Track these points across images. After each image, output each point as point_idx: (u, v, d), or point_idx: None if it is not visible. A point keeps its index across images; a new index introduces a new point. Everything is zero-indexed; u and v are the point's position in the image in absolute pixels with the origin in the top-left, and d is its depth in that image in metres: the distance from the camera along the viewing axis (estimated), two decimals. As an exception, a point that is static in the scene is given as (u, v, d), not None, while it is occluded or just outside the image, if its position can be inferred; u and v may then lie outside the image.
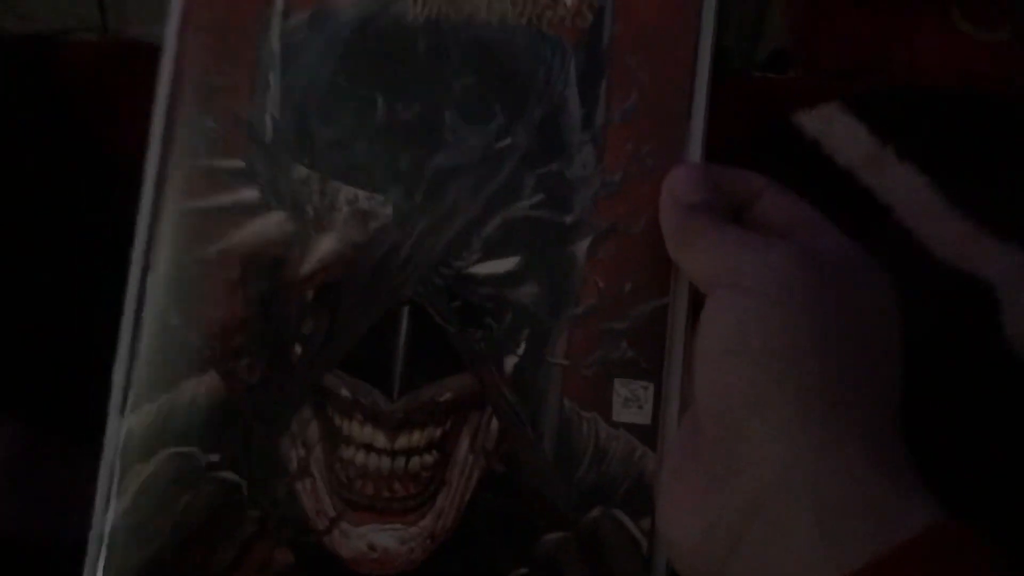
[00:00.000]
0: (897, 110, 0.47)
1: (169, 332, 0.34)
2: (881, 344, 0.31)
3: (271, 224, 0.35)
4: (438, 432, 0.34)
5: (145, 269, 0.34)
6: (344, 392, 0.34)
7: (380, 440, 0.34)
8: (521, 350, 0.34)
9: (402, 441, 0.34)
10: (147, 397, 0.34)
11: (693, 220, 0.33)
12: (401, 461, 0.34)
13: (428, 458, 0.34)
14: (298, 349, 0.34)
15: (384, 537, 0.34)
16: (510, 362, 0.34)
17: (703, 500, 0.31)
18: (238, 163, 0.35)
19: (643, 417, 0.34)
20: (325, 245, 0.34)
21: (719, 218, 0.33)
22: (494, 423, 0.34)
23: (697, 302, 0.35)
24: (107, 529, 0.33)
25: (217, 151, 0.35)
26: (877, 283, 0.32)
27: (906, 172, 0.46)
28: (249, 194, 0.35)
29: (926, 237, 0.45)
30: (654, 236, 0.35)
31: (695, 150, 0.35)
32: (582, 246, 0.35)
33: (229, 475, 0.34)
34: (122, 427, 0.34)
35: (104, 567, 0.33)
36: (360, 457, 0.34)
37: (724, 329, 0.31)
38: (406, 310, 0.34)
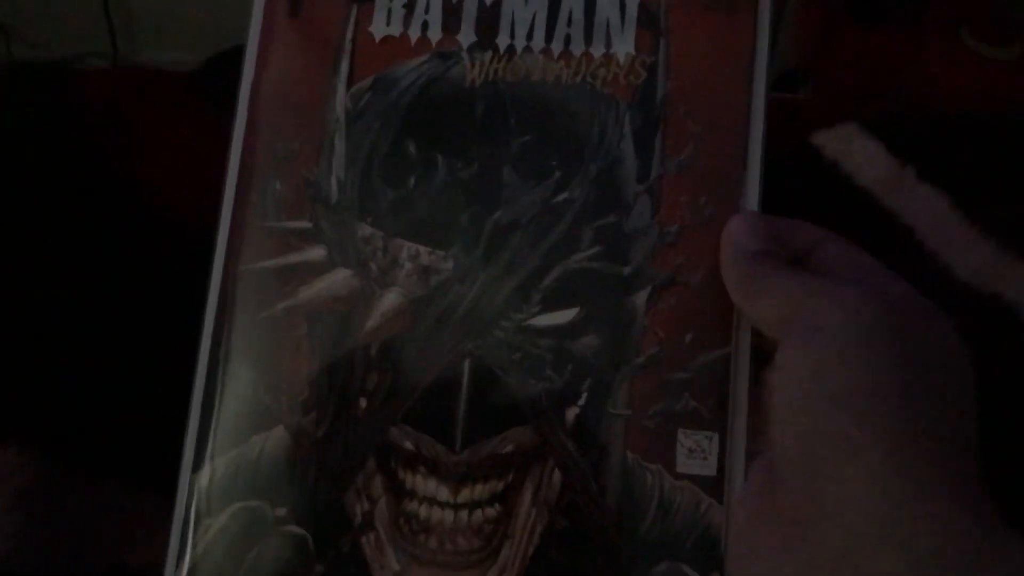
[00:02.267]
0: (916, 130, 0.46)
1: (242, 389, 0.35)
2: (957, 389, 0.30)
3: (337, 281, 0.35)
4: (500, 485, 0.34)
5: (218, 330, 0.36)
6: (408, 445, 0.34)
7: (443, 493, 0.34)
8: (582, 401, 0.34)
9: (465, 494, 0.34)
10: (219, 453, 0.35)
11: (759, 266, 0.33)
12: (464, 514, 0.34)
13: (491, 511, 0.34)
14: (363, 403, 0.35)
15: None
16: (571, 414, 0.34)
17: (783, 551, 0.30)
18: (305, 224, 0.36)
19: (708, 468, 0.34)
20: (388, 300, 0.35)
21: (785, 264, 0.33)
22: (556, 476, 0.34)
23: (760, 351, 0.34)
24: None
25: (285, 213, 0.36)
26: (948, 330, 0.31)
27: (927, 193, 0.45)
28: (316, 253, 0.36)
29: (948, 259, 0.43)
30: (714, 286, 0.34)
31: (752, 199, 0.35)
32: (641, 296, 0.35)
33: (295, 529, 0.34)
34: (195, 483, 0.34)
35: None
36: (424, 511, 0.34)
37: (804, 372, 0.30)
38: (467, 363, 0.35)
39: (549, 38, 0.37)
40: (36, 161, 0.48)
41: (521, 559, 0.34)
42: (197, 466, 0.35)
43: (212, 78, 0.40)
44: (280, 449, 0.35)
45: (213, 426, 0.35)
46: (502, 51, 0.37)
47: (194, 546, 0.34)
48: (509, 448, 0.34)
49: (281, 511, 0.34)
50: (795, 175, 0.46)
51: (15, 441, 0.41)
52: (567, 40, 0.37)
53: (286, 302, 0.35)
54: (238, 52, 0.38)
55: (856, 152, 0.46)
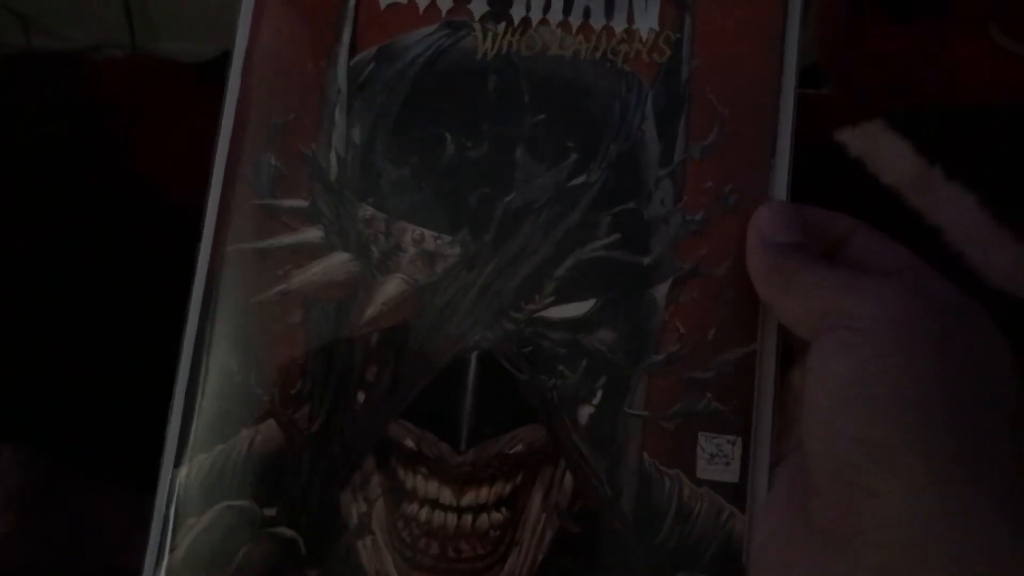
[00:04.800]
0: (943, 128, 0.44)
1: (228, 379, 0.32)
2: (1003, 390, 0.28)
3: (335, 265, 0.33)
4: (508, 487, 0.32)
5: (204, 314, 0.33)
6: (409, 443, 0.32)
7: (446, 496, 0.32)
8: (597, 400, 0.32)
9: (469, 497, 0.32)
10: (202, 447, 0.32)
11: (789, 260, 0.31)
12: (468, 519, 0.32)
13: (497, 515, 0.32)
14: (361, 397, 0.32)
15: None
16: (585, 412, 0.32)
17: (815, 565, 0.28)
18: (301, 202, 0.33)
19: (730, 475, 0.32)
20: (390, 287, 0.33)
21: (817, 259, 0.31)
22: (568, 479, 0.32)
23: (788, 349, 0.32)
24: None
25: (280, 190, 0.33)
26: (988, 326, 0.29)
27: (955, 192, 0.43)
28: (312, 234, 0.33)
29: (977, 261, 0.42)
30: (739, 279, 0.32)
31: (780, 188, 0.33)
32: (661, 289, 0.33)
33: (286, 531, 0.31)
34: (176, 478, 0.32)
35: None
36: (424, 513, 0.32)
37: (841, 375, 0.28)
38: (474, 356, 0.32)
39: (567, 10, 0.34)
40: (44, 149, 0.47)
41: (529, 567, 0.31)
42: (179, 461, 0.32)
43: (224, 68, 0.38)
44: (271, 444, 0.32)
45: (196, 418, 0.32)
46: (516, 23, 0.34)
47: (174, 547, 0.31)
48: (518, 448, 0.32)
49: (271, 511, 0.32)
50: (818, 173, 0.44)
51: (9, 440, 0.40)
52: (586, 13, 0.34)
53: (279, 286, 0.33)
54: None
55: (882, 150, 0.44)
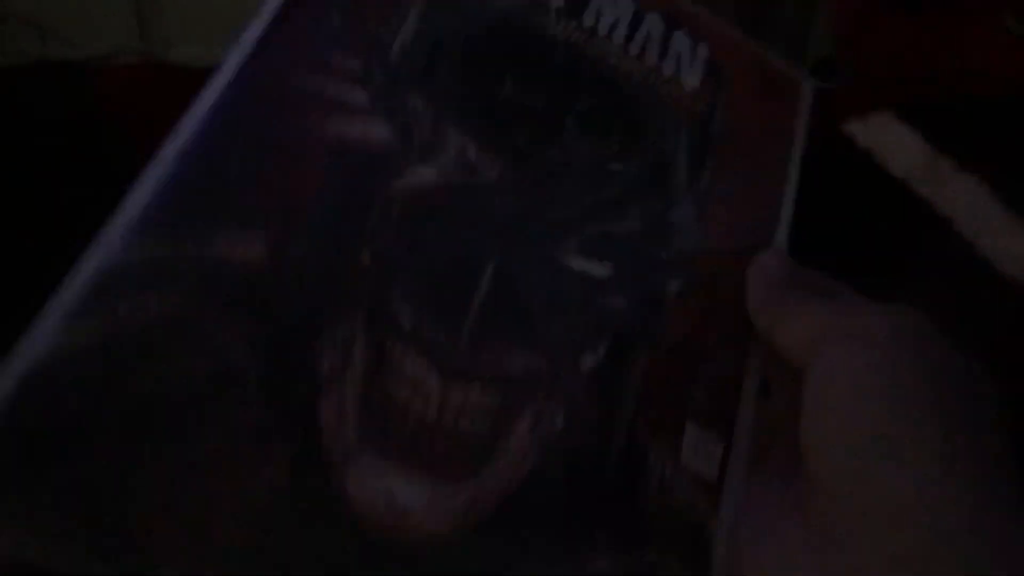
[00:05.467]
0: (953, 118, 0.45)
1: (223, 174, 0.27)
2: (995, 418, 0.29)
3: (373, 131, 0.30)
4: (497, 401, 0.28)
5: (220, 103, 0.29)
6: (406, 318, 0.28)
7: (433, 380, 0.27)
8: (601, 353, 0.30)
9: (456, 392, 0.28)
10: (165, 237, 0.26)
11: (787, 291, 0.32)
12: (450, 417, 0.27)
13: (480, 424, 0.28)
14: (367, 256, 0.28)
15: (410, 493, 0.26)
16: (588, 360, 0.30)
17: (816, 564, 0.26)
18: (355, 63, 0.31)
19: (710, 470, 0.30)
20: (425, 175, 0.30)
21: (816, 293, 0.32)
22: (560, 418, 0.29)
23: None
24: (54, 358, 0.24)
25: (338, 45, 0.31)
26: (980, 371, 0.31)
27: (965, 183, 0.43)
28: (358, 96, 0.31)
29: (988, 249, 0.41)
30: (738, 306, 0.33)
31: (781, 241, 0.36)
32: (674, 285, 0.33)
33: (239, 358, 0.26)
34: (114, 258, 0.25)
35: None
36: (405, 392, 0.27)
37: (848, 373, 0.28)
38: (492, 267, 0.30)
39: (629, 40, 0.37)
40: (53, 157, 0.45)
41: (502, 490, 0.27)
42: (131, 238, 0.26)
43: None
44: (251, 263, 0.27)
45: (171, 202, 0.27)
46: (586, 27, 0.36)
47: (88, 316, 0.25)
48: (516, 368, 0.29)
49: (228, 332, 0.26)
50: (827, 165, 0.42)
51: None
52: (643, 48, 0.37)
53: (307, 130, 0.30)
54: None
55: (891, 141, 0.44)
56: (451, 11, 0.34)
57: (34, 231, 0.42)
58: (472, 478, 0.27)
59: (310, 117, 0.30)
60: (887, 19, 0.50)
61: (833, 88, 0.47)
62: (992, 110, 0.47)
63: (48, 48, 0.52)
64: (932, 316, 0.29)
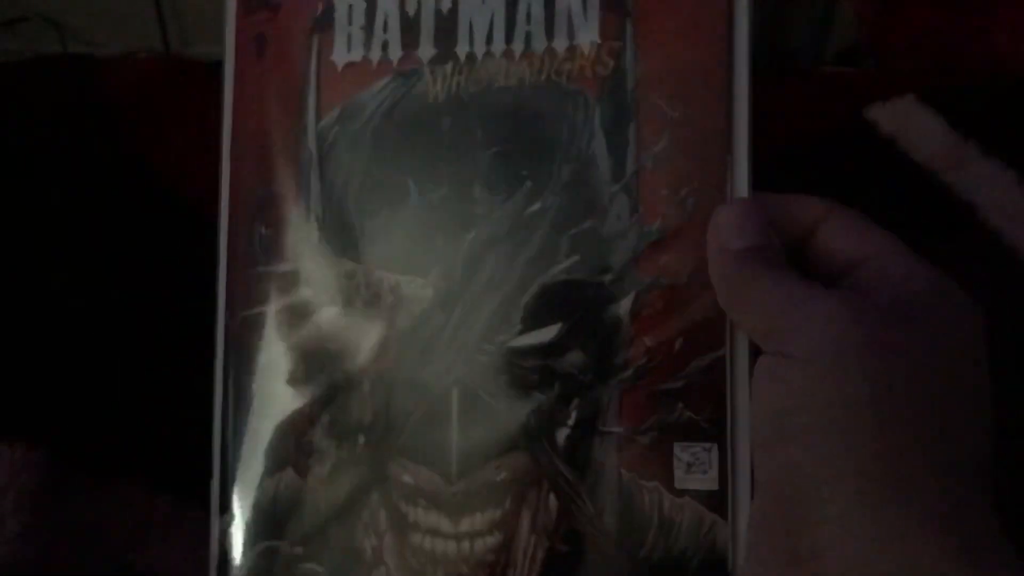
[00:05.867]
0: (978, 103, 0.40)
1: (254, 437, 0.36)
2: (964, 395, 0.27)
3: (325, 321, 0.36)
4: (499, 513, 0.34)
5: (226, 379, 0.37)
6: (407, 479, 0.34)
7: (444, 525, 0.34)
8: (571, 421, 0.33)
9: (465, 525, 0.34)
10: (240, 497, 0.36)
11: (743, 269, 0.30)
12: (466, 545, 0.34)
13: (491, 540, 0.34)
14: (361, 439, 0.35)
15: None
16: (562, 435, 0.33)
17: None
18: (291, 267, 0.36)
19: (709, 483, 0.32)
20: (375, 335, 0.35)
21: (772, 264, 0.30)
22: (552, 500, 0.33)
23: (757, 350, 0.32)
24: None
25: (272, 257, 0.36)
26: (958, 319, 0.28)
27: (991, 168, 0.40)
28: (305, 293, 0.36)
29: (1014, 238, 0.39)
30: (703, 284, 0.32)
31: (741, 183, 0.32)
32: (624, 305, 0.33)
33: (314, 567, 0.35)
34: (224, 523, 0.36)
35: None
36: (428, 543, 0.34)
37: (770, 406, 0.28)
38: (455, 392, 0.34)
39: (509, 39, 0.35)
40: (60, 151, 0.48)
41: None
42: (223, 510, 0.36)
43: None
44: (291, 490, 0.36)
45: (233, 471, 0.36)
46: (462, 60, 0.35)
47: None
48: (504, 475, 0.33)
49: (298, 549, 0.35)
50: (848, 152, 0.42)
51: (23, 440, 0.41)
52: (528, 38, 0.34)
53: (285, 343, 0.36)
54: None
55: (914, 126, 0.42)
56: (340, 149, 0.36)
57: (34, 222, 0.45)
58: (496, 590, 0.33)
59: (280, 335, 0.36)
60: (914, 3, 0.40)
61: (848, 72, 0.43)
62: (1018, 96, 0.41)
63: (68, 46, 0.57)
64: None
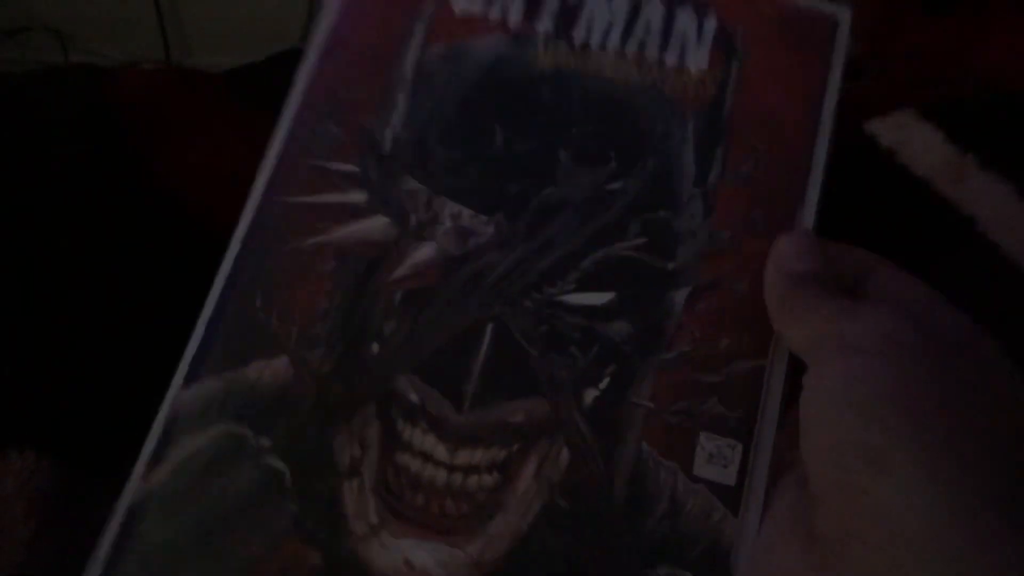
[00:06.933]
0: (977, 116, 0.43)
1: (251, 312, 0.33)
2: (1009, 416, 0.28)
3: (374, 227, 0.34)
4: (503, 454, 0.32)
5: (242, 254, 0.34)
6: (412, 397, 0.32)
7: (440, 452, 0.32)
8: (603, 384, 0.32)
9: (463, 456, 0.32)
10: (213, 370, 0.33)
11: (799, 289, 0.32)
12: (458, 477, 0.31)
13: (488, 479, 0.31)
14: (375, 348, 0.33)
15: (424, 555, 0.31)
16: (590, 395, 0.32)
17: (816, 573, 0.27)
18: (352, 168, 0.35)
19: (727, 477, 0.31)
20: (422, 253, 0.34)
21: (826, 289, 0.32)
22: (564, 455, 0.32)
23: (797, 372, 0.32)
24: (138, 498, 0.31)
25: (334, 154, 0.35)
26: (991, 362, 0.30)
27: (989, 181, 0.42)
28: (357, 196, 0.35)
29: (1012, 251, 0.40)
30: (757, 297, 0.33)
31: (808, 219, 0.34)
32: (681, 294, 0.33)
33: (276, 462, 0.32)
34: (181, 397, 0.32)
35: (126, 536, 0.31)
36: (416, 465, 0.32)
37: (832, 383, 0.28)
38: (490, 327, 0.33)
39: (625, 41, 0.37)
40: (70, 161, 0.48)
41: (512, 534, 0.31)
42: (191, 379, 0.33)
43: (247, 78, 0.39)
44: (279, 379, 0.33)
45: (214, 343, 0.33)
46: (577, 46, 0.37)
47: (167, 459, 0.32)
48: (519, 417, 0.32)
49: (265, 441, 0.32)
50: (849, 165, 0.42)
51: (32, 446, 0.40)
52: (642, 45, 0.37)
53: (318, 237, 0.34)
54: (293, 55, 0.38)
55: (913, 140, 0.43)
56: (437, 82, 0.37)
57: (43, 234, 0.45)
58: (483, 531, 0.31)
59: (315, 229, 0.34)
60: (912, 17, 0.47)
61: (858, 87, 0.46)
62: (1017, 110, 0.45)
63: (70, 56, 0.57)
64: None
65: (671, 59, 0.37)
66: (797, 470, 0.31)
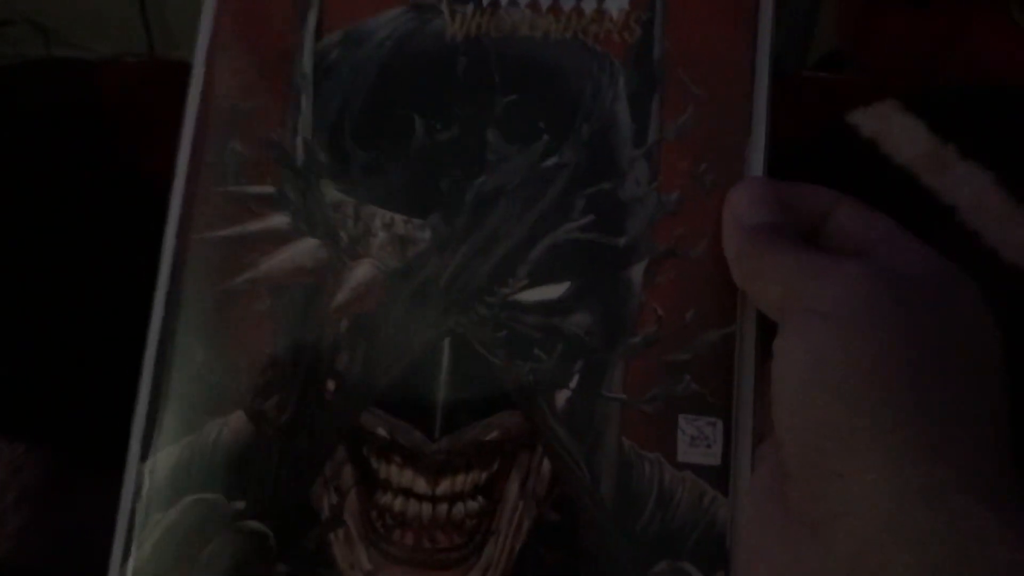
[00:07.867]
0: (958, 107, 0.44)
1: (194, 369, 0.32)
2: (981, 366, 0.28)
3: (302, 252, 0.32)
4: (484, 475, 0.31)
5: (170, 303, 0.32)
6: (381, 432, 0.31)
7: (420, 485, 0.31)
8: (574, 384, 0.31)
9: (445, 486, 0.31)
10: (169, 439, 0.31)
11: (759, 242, 0.30)
12: (444, 508, 0.31)
13: (473, 504, 0.31)
14: (331, 385, 0.31)
15: None
16: (562, 397, 0.31)
17: (790, 552, 0.27)
18: (268, 189, 0.33)
19: (712, 458, 0.31)
20: (361, 272, 0.32)
21: (787, 239, 0.30)
22: (546, 465, 0.31)
23: (767, 330, 0.31)
24: None
25: (246, 176, 0.33)
26: (969, 299, 0.29)
27: (970, 171, 0.42)
28: (279, 220, 0.32)
29: (993, 239, 0.41)
30: (717, 259, 0.32)
31: (757, 165, 0.33)
32: (638, 270, 0.32)
33: (255, 525, 0.31)
34: (143, 472, 0.31)
35: None
36: (399, 504, 0.31)
37: (802, 359, 0.27)
38: (447, 342, 0.31)
39: None
40: (49, 154, 0.47)
41: (507, 557, 0.30)
42: (145, 454, 0.31)
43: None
44: (240, 436, 0.31)
45: (163, 410, 0.31)
46: (485, 4, 0.34)
47: (140, 543, 0.30)
48: (494, 435, 0.31)
49: (239, 504, 0.31)
50: (830, 155, 0.43)
51: (24, 437, 0.40)
52: None
53: (246, 274, 0.32)
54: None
55: (895, 130, 0.44)
56: (340, 73, 0.33)
57: (26, 225, 0.45)
58: (477, 558, 0.30)
59: (241, 265, 0.32)
60: (892, 10, 0.46)
61: (831, 77, 0.45)
62: (997, 100, 0.45)
63: (53, 49, 0.55)
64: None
65: (589, 4, 0.34)
66: (773, 442, 0.30)
